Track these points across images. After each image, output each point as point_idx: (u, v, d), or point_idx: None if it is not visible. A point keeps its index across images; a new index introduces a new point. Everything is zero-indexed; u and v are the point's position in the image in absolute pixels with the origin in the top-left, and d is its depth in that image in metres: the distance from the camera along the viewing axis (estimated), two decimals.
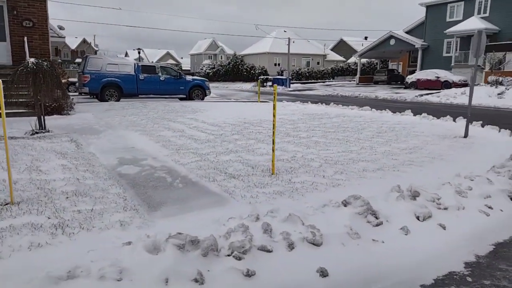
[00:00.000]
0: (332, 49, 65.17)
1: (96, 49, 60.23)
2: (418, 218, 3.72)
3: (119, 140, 7.18)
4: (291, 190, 4.36)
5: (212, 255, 2.89)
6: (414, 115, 11.67)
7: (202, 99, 18.20)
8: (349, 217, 3.53)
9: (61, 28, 22.98)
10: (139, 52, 39.93)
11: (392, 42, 35.31)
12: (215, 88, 31.83)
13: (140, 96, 16.82)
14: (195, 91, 18.00)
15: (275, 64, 52.50)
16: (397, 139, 7.71)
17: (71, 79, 19.74)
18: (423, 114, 11.52)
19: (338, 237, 3.28)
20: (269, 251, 3.03)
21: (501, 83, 19.79)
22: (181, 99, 17.80)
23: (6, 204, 3.63)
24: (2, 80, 11.81)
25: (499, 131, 8.75)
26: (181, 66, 69.26)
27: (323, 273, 2.83)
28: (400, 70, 40.39)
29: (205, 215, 3.67)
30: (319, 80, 47.40)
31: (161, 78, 17.02)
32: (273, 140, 5.03)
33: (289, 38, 39.08)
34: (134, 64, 16.73)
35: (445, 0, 31.14)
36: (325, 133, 8.32)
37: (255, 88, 34.82)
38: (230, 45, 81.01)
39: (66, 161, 5.33)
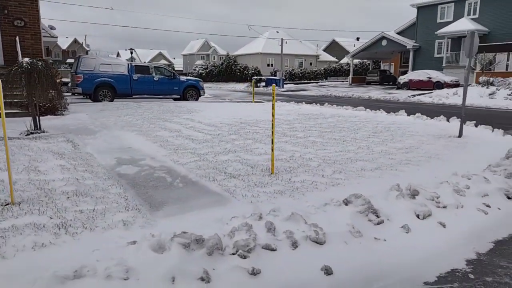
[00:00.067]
0: (324, 50, 65.51)
1: (87, 49, 59.69)
2: (418, 216, 3.76)
3: (116, 141, 7.14)
4: (292, 190, 4.39)
5: (217, 254, 2.90)
6: (408, 115, 11.79)
7: (197, 99, 18.16)
8: (351, 216, 3.57)
9: (52, 28, 22.74)
10: (131, 53, 39.69)
11: (384, 43, 35.61)
12: (209, 88, 31.74)
13: (134, 96, 16.73)
14: (189, 91, 17.96)
15: (268, 65, 52.60)
16: (393, 138, 7.79)
17: (63, 79, 19.56)
18: (417, 114, 11.64)
19: (340, 235, 3.31)
20: (273, 249, 3.05)
21: (492, 84, 20.08)
22: (175, 99, 17.75)
23: (7, 204, 3.60)
24: None
25: (492, 130, 8.88)
26: (173, 66, 68.97)
27: (328, 271, 2.86)
28: (392, 70, 40.76)
29: (207, 214, 3.68)
30: (312, 81, 47.59)
31: (155, 79, 16.95)
32: (272, 139, 5.05)
33: (282, 39, 39.21)
34: (128, 64, 16.64)
35: (436, 1, 31.52)
36: (321, 133, 8.37)
37: (249, 89, 34.85)
38: (223, 45, 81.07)
39: (64, 162, 5.29)
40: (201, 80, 19.54)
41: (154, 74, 17.01)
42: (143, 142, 6.98)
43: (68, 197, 3.87)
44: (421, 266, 2.99)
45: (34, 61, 7.54)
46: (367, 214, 3.61)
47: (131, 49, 40.95)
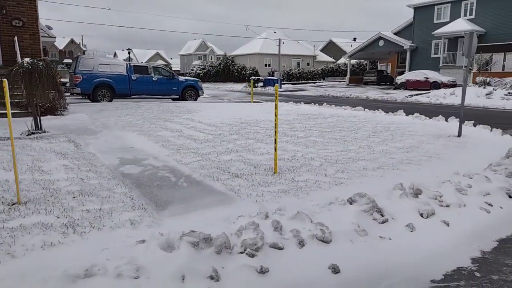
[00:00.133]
0: (321, 50, 65.61)
1: (84, 49, 59.52)
2: (422, 215, 3.80)
3: (117, 141, 7.15)
4: (296, 189, 4.42)
5: (225, 253, 2.92)
6: (407, 115, 11.86)
7: (195, 99, 18.17)
8: (356, 215, 3.60)
9: (49, 28, 22.66)
10: (129, 53, 39.60)
11: (381, 43, 35.75)
12: (206, 88, 31.74)
13: (132, 96, 16.71)
14: (188, 91, 17.96)
15: (266, 65, 52.64)
16: (393, 138, 7.83)
17: (62, 79, 19.49)
18: (415, 114, 11.71)
19: (346, 234, 3.34)
20: (280, 248, 3.07)
21: (489, 84, 20.21)
22: (174, 99, 17.75)
23: (14, 204, 3.60)
24: None
25: (491, 130, 8.95)
26: (170, 66, 68.92)
27: (335, 270, 2.89)
28: (389, 71, 40.91)
29: (213, 213, 3.70)
30: (310, 81, 47.68)
31: (153, 79, 16.94)
32: (275, 139, 5.07)
33: (279, 39, 39.23)
34: (126, 65, 16.62)
35: (433, 2, 31.67)
36: (322, 132, 8.40)
37: (246, 89, 34.87)
38: (220, 45, 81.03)
39: (68, 161, 5.29)
40: (199, 80, 19.56)
41: (152, 74, 17.00)
42: (145, 142, 6.99)
43: (74, 197, 3.88)
44: (427, 264, 3.02)
45: (35, 61, 7.53)
46: (372, 213, 3.65)
47: (128, 49, 40.86)
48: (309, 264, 2.95)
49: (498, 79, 20.73)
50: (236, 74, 47.38)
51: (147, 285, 2.49)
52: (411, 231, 3.53)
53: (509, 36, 25.61)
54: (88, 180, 4.50)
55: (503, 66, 25.12)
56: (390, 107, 16.34)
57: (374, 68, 42.76)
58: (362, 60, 46.37)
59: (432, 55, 31.91)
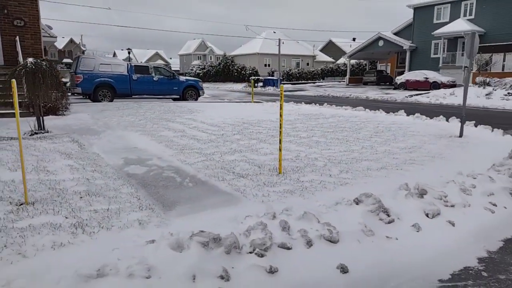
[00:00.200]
0: (321, 50, 65.65)
1: (83, 49, 59.43)
2: (427, 215, 3.82)
3: (120, 141, 7.16)
4: (301, 189, 4.44)
5: (234, 253, 2.94)
6: (408, 115, 11.89)
7: (196, 99, 18.18)
8: (362, 215, 3.62)
9: (49, 27, 22.67)
10: (129, 52, 39.58)
11: (381, 43, 35.79)
12: (206, 88, 31.73)
13: (133, 96, 16.72)
14: (188, 91, 17.98)
15: (265, 65, 52.67)
16: (395, 138, 7.86)
17: (62, 79, 19.49)
18: (416, 114, 11.74)
19: (353, 234, 3.36)
20: (288, 248, 3.09)
21: (488, 84, 20.26)
22: (174, 99, 17.76)
23: (21, 204, 3.62)
24: None
25: (492, 130, 8.99)
26: (170, 66, 68.94)
27: (344, 270, 2.91)
28: (388, 71, 40.96)
29: (220, 213, 3.72)
30: (309, 81, 47.70)
31: (154, 79, 16.95)
32: (280, 139, 5.09)
33: (279, 39, 39.30)
34: (127, 65, 16.62)
35: (432, 2, 31.72)
36: (324, 133, 8.43)
37: (246, 89, 34.90)
38: (219, 45, 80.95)
39: (72, 162, 5.31)
40: (200, 80, 19.57)
41: (153, 74, 17.01)
42: (148, 142, 7.00)
43: (81, 197, 3.89)
44: (434, 264, 3.05)
45: (38, 61, 7.54)
46: (378, 213, 3.67)
47: (128, 49, 40.82)
48: (318, 264, 2.97)
49: (498, 79, 20.79)
50: (235, 74, 47.38)
51: (159, 285, 2.51)
52: (417, 231, 3.55)
53: (509, 36, 25.69)
54: (94, 180, 4.52)
55: (503, 66, 25.19)
56: (390, 107, 16.37)
57: (374, 68, 42.81)
58: (362, 60, 46.42)
59: (432, 55, 31.96)
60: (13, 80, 3.62)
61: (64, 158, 5.47)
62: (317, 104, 16.11)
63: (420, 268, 3.01)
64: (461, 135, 8.34)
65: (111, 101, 15.73)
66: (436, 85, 25.58)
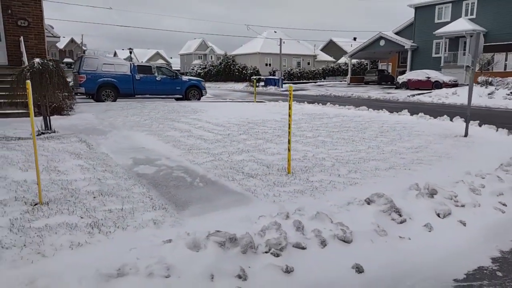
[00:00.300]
0: (321, 50, 65.67)
1: (84, 48, 59.46)
2: (438, 215, 3.85)
3: (127, 141, 7.19)
4: (311, 189, 4.46)
5: (250, 252, 2.97)
6: (411, 114, 11.90)
7: (199, 99, 18.20)
8: (374, 215, 3.65)
9: (50, 27, 22.67)
10: (130, 52, 39.63)
11: (382, 43, 35.78)
12: (208, 88, 31.64)
13: (136, 96, 16.74)
14: (191, 91, 18.00)
15: (266, 64, 52.67)
16: (400, 138, 7.88)
17: None
18: (420, 114, 11.75)
19: (366, 234, 3.39)
20: (303, 248, 3.12)
21: (490, 83, 20.28)
22: (177, 99, 17.78)
23: (36, 204, 3.64)
24: (1, 80, 11.60)
25: (497, 130, 9.01)
26: (171, 66, 68.94)
27: (359, 269, 2.93)
28: (390, 70, 40.95)
29: (233, 213, 3.74)
30: (311, 80, 47.70)
31: (157, 78, 16.96)
32: (289, 139, 5.11)
33: (280, 39, 39.31)
34: (130, 64, 16.64)
35: (433, 1, 31.71)
36: (329, 132, 8.45)
37: (248, 88, 34.90)
38: (220, 45, 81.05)
39: (82, 162, 5.33)
40: (203, 80, 19.60)
41: (156, 74, 17.03)
42: (155, 142, 7.03)
43: (94, 197, 3.92)
44: (448, 263, 3.07)
45: (45, 61, 7.56)
46: (390, 213, 3.70)
47: (130, 48, 40.85)
48: (332, 264, 3.00)
49: (500, 78, 20.81)
50: (237, 73, 47.36)
51: (178, 284, 2.54)
52: (429, 231, 3.58)
53: (510, 35, 25.69)
54: (105, 180, 4.54)
55: (505, 65, 25.21)
56: (393, 106, 16.39)
57: (375, 67, 42.80)
58: (363, 60, 46.42)
59: (433, 55, 31.96)
60: (28, 81, 3.64)
61: (74, 158, 5.50)
62: (320, 104, 16.13)
63: (434, 268, 3.04)
64: (466, 135, 8.37)
65: (114, 101, 15.75)
66: (438, 85, 25.58)
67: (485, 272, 2.91)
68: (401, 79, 29.19)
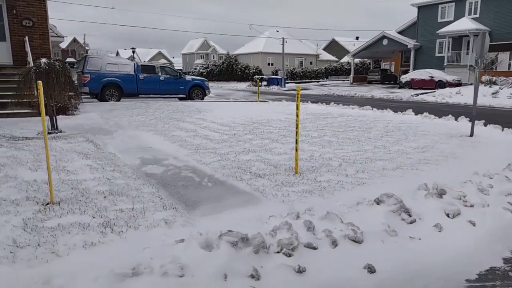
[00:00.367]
0: (324, 49, 65.63)
1: (87, 48, 59.60)
2: (448, 215, 3.85)
3: (134, 140, 7.21)
4: (320, 189, 4.47)
5: (262, 252, 2.98)
6: (416, 114, 11.88)
7: (202, 99, 18.22)
8: (384, 215, 3.65)
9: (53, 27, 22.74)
10: (133, 52, 39.67)
11: (385, 42, 35.73)
12: (210, 87, 31.76)
13: (140, 96, 16.77)
14: (195, 91, 18.02)
15: (269, 64, 52.68)
16: (406, 138, 7.88)
17: None
18: (424, 114, 11.73)
19: (376, 234, 3.39)
20: (314, 248, 3.13)
21: (494, 83, 20.22)
22: (180, 99, 17.80)
23: (47, 204, 3.66)
24: (5, 80, 11.65)
25: (502, 130, 8.99)
26: (173, 65, 68.99)
27: (371, 270, 2.94)
28: (392, 70, 40.90)
29: (243, 213, 3.75)
30: (313, 80, 47.69)
31: (161, 78, 17.00)
32: (296, 139, 5.13)
33: (283, 38, 39.26)
34: (134, 64, 16.68)
35: (437, 1, 31.64)
36: (334, 132, 8.45)
37: (250, 88, 34.90)
38: (222, 44, 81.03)
39: (91, 161, 5.36)
40: (206, 79, 19.61)
41: (160, 74, 17.06)
42: (162, 142, 7.05)
43: (105, 197, 3.94)
44: (459, 264, 3.08)
45: (52, 61, 7.59)
46: (400, 214, 3.70)
47: (132, 48, 40.92)
48: (344, 264, 3.01)
49: (504, 78, 20.75)
50: (239, 73, 47.40)
51: (192, 284, 2.55)
52: (439, 231, 3.58)
53: None
54: (115, 180, 4.56)
55: (509, 65, 25.13)
56: (397, 106, 16.36)
57: (378, 67, 42.75)
58: (366, 59, 46.38)
59: (437, 54, 31.89)
60: (39, 82, 3.66)
61: (82, 158, 5.52)
62: (324, 103, 16.12)
63: (445, 268, 3.04)
64: (471, 135, 8.35)
65: (118, 100, 15.79)
66: (441, 84, 25.53)
67: (497, 273, 2.91)
68: (404, 78, 29.14)
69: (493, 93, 18.76)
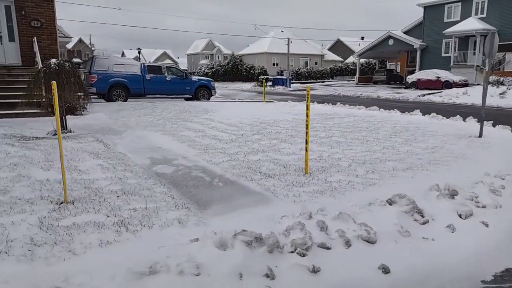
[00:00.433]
0: (329, 49, 65.48)
1: (93, 48, 59.94)
2: (460, 216, 3.84)
3: (143, 141, 7.25)
4: (330, 189, 4.47)
5: (276, 252, 2.99)
6: (423, 114, 11.84)
7: (208, 99, 18.25)
8: (397, 216, 3.65)
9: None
10: (139, 52, 39.82)
11: (391, 42, 35.59)
12: (215, 88, 31.87)
13: (146, 96, 16.83)
14: (201, 91, 18.06)
15: (274, 64, 52.66)
16: (415, 139, 7.85)
17: None
18: (432, 114, 11.68)
19: (389, 235, 3.39)
20: (328, 248, 3.14)
21: (502, 83, 20.08)
22: (187, 99, 17.84)
23: (61, 203, 3.70)
24: (14, 80, 11.74)
25: (511, 130, 8.94)
26: (178, 65, 69.16)
27: (385, 270, 2.94)
28: (398, 70, 40.74)
29: (254, 213, 3.76)
30: (318, 80, 47.61)
31: (167, 78, 17.05)
32: (306, 139, 5.13)
33: (288, 38, 39.23)
34: (141, 65, 16.75)
35: (443, 1, 31.47)
36: (342, 132, 8.44)
37: (256, 88, 34.91)
38: (226, 45, 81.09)
39: (101, 161, 5.39)
40: (212, 80, 19.65)
41: (166, 74, 17.12)
42: (171, 142, 7.08)
43: (118, 196, 3.97)
44: (474, 265, 3.07)
45: (62, 62, 7.65)
46: (413, 214, 3.70)
47: (138, 48, 41.09)
48: (358, 264, 3.01)
49: None
50: (244, 73, 47.41)
51: (209, 282, 2.57)
52: (452, 232, 3.58)
53: None
54: (126, 179, 4.59)
55: None
56: (403, 106, 16.30)
57: (383, 67, 42.59)
58: (371, 59, 46.23)
59: (443, 54, 31.71)
60: (54, 82, 3.69)
61: (93, 158, 5.56)
62: (330, 104, 16.10)
63: (460, 269, 3.04)
64: (480, 135, 8.31)
65: (125, 101, 15.86)
66: (448, 85, 25.40)
67: None
68: (410, 78, 29.01)
69: (500, 94, 18.63)
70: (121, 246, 2.96)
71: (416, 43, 33.03)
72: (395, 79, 36.90)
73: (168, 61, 77.90)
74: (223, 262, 2.76)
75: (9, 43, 13.11)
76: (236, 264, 2.75)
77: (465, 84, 25.02)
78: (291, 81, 36.21)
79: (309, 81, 46.48)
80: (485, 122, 9.76)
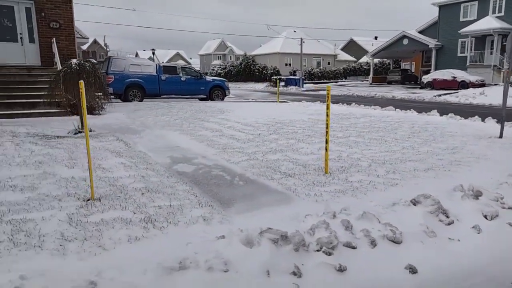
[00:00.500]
0: (342, 49, 65.11)
1: (107, 49, 60.72)
2: (485, 217, 3.79)
3: (162, 140, 7.33)
4: (352, 189, 4.46)
5: (302, 250, 3.00)
6: (441, 115, 11.69)
7: (222, 99, 18.34)
8: (422, 216, 3.62)
9: None
10: (153, 53, 40.23)
11: (405, 42, 35.22)
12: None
13: (162, 96, 17.00)
14: (215, 91, 18.16)
15: (286, 64, 52.58)
16: (434, 139, 7.77)
17: None
18: (450, 114, 11.53)
19: (415, 235, 3.37)
20: (353, 247, 3.13)
21: None
22: (201, 99, 17.96)
23: (88, 200, 3.77)
24: (35, 80, 11.96)
25: None
26: (191, 66, 69.62)
27: (412, 270, 2.93)
28: (413, 70, 40.28)
29: (277, 211, 3.78)
30: (331, 80, 47.37)
31: (182, 79, 17.19)
32: (326, 139, 5.13)
33: (301, 38, 39.13)
34: (156, 65, 16.92)
35: (458, 0, 31.02)
36: (359, 132, 8.40)
37: (268, 88, 34.94)
38: (239, 45, 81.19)
39: (124, 160, 5.48)
40: (226, 80, 19.74)
41: (181, 75, 17.26)
42: (189, 141, 7.14)
43: (142, 193, 4.03)
44: (502, 266, 3.03)
45: (82, 62, 7.79)
46: (438, 215, 3.66)
47: (152, 49, 41.52)
48: (384, 264, 3.00)
49: None
50: (257, 73, 47.43)
51: (237, 279, 2.59)
52: (478, 233, 3.53)
53: None
54: (149, 177, 4.66)
55: None
56: (420, 106, 16.11)
57: (398, 67, 42.16)
58: (385, 59, 45.81)
59: (459, 54, 31.26)
60: (81, 82, 3.77)
61: (115, 156, 5.65)
62: (345, 104, 16.03)
63: (488, 270, 3.00)
64: (501, 136, 8.17)
65: (141, 101, 16.04)
66: (464, 85, 25.01)
67: None
68: (426, 78, 28.66)
69: None
70: (149, 242, 3.01)
71: (431, 42, 32.62)
72: (409, 79, 36.50)
73: (181, 62, 78.50)
74: (250, 259, 2.78)
75: (29, 44, 13.39)
76: (263, 261, 2.78)
77: (482, 84, 24.60)
78: (304, 81, 36.13)
79: (322, 81, 46.29)
80: (505, 123, 9.61)
